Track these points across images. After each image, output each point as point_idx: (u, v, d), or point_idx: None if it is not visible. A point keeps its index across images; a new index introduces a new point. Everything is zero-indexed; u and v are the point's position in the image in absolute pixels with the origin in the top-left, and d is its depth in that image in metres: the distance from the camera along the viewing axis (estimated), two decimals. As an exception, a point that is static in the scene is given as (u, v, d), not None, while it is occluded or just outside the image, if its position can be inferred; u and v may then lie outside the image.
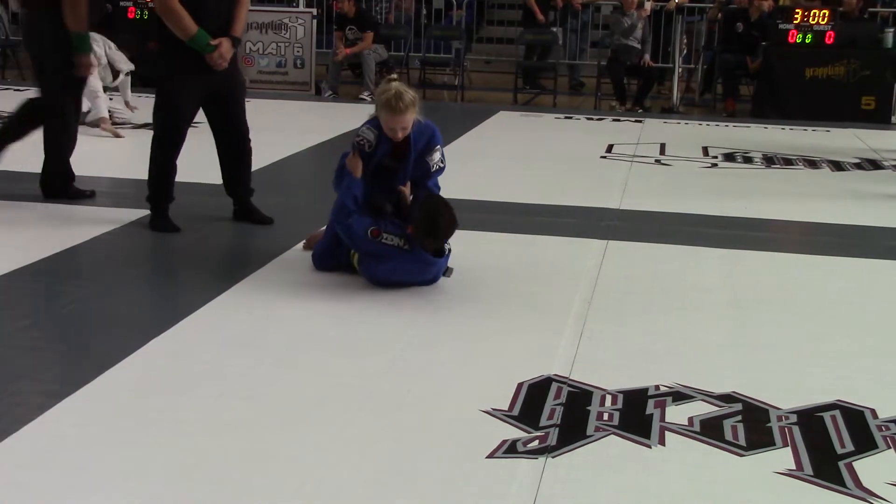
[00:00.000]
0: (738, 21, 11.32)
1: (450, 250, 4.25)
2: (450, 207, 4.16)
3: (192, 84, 5.00)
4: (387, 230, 4.15)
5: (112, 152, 7.67)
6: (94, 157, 7.44)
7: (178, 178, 6.43)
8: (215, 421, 2.92)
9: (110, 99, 8.71)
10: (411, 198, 4.33)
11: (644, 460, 2.78)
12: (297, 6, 12.76)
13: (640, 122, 10.10)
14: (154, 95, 5.18)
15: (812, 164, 7.87)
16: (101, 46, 8.45)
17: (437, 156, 4.38)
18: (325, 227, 4.53)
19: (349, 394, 3.15)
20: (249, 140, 5.32)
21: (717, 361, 3.55)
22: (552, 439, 2.87)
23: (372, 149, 4.28)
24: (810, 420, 3.07)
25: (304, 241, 4.76)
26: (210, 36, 4.90)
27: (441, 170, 4.43)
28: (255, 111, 10.37)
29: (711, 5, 12.33)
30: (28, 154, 7.46)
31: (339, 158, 4.44)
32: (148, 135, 8.31)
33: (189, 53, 4.92)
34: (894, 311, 4.28)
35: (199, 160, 7.27)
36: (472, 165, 7.30)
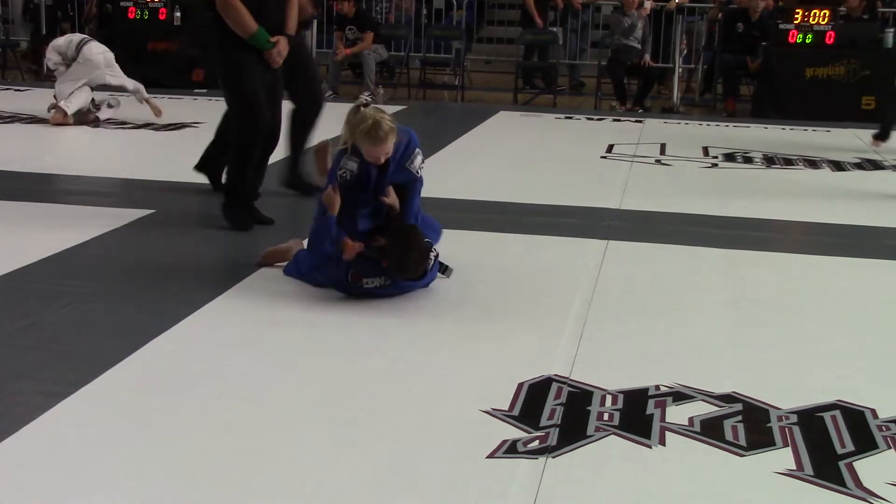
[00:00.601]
0: (739, 21, 11.32)
1: (436, 257, 4.20)
2: (419, 237, 4.08)
3: (256, 64, 5.06)
4: (366, 274, 4.08)
5: (113, 152, 7.67)
6: (94, 157, 7.45)
7: (177, 179, 6.46)
8: (215, 421, 2.92)
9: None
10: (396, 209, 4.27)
11: (644, 460, 2.78)
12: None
13: (641, 122, 10.10)
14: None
15: (812, 164, 7.87)
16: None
17: (417, 160, 4.32)
18: (287, 245, 4.51)
19: (349, 394, 3.15)
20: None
21: (717, 361, 3.55)
22: (552, 439, 2.86)
23: (353, 177, 4.19)
24: (811, 420, 3.07)
25: (262, 255, 4.54)
26: (269, 34, 5.00)
27: (420, 180, 4.32)
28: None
29: (712, 5, 12.33)
30: (28, 154, 7.47)
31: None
32: (148, 135, 8.37)
33: (248, 51, 5.00)
34: (894, 312, 4.28)
35: (198, 160, 7.26)
36: (472, 165, 7.30)
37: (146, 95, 8.64)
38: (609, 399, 3.17)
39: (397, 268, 4.04)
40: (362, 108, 4.18)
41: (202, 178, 6.03)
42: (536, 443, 2.84)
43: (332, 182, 4.18)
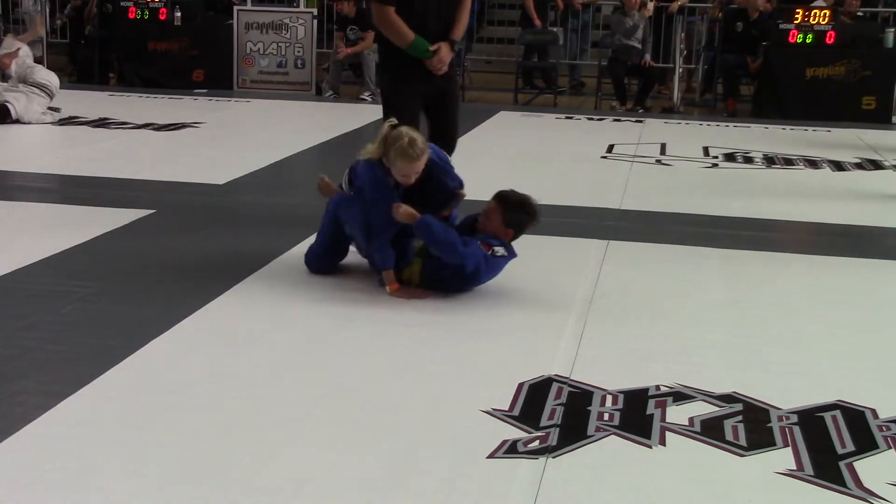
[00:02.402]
0: (738, 21, 11.32)
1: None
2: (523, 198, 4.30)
3: (415, 90, 5.00)
4: (492, 243, 4.14)
5: (113, 153, 7.67)
6: (93, 157, 7.44)
7: (177, 179, 6.46)
8: (215, 421, 2.92)
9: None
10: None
11: (644, 460, 2.78)
12: (298, 6, 12.76)
13: (641, 122, 10.10)
14: None
15: (813, 164, 7.87)
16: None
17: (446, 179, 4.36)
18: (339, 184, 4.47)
19: (349, 394, 3.15)
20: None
21: (717, 361, 3.55)
22: (553, 439, 2.86)
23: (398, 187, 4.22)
24: (811, 420, 3.06)
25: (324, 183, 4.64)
26: (428, 42, 4.90)
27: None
28: (255, 111, 10.44)
29: (712, 5, 12.32)
30: (27, 154, 7.48)
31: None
32: (148, 135, 8.38)
33: (409, 59, 4.93)
34: (895, 312, 4.28)
35: (198, 160, 7.28)
36: (472, 165, 7.28)
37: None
38: (609, 399, 3.17)
39: (518, 226, 4.20)
40: (396, 127, 4.19)
41: (201, 179, 6.03)
42: (537, 443, 2.84)
43: (389, 197, 4.11)
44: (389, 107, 5.01)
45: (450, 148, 5.14)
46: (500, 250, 4.17)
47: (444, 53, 4.93)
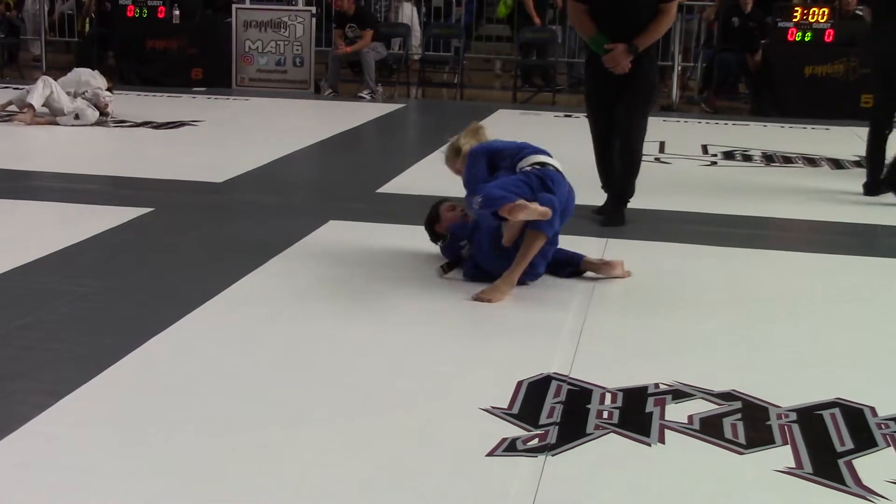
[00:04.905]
0: (733, 17, 11.30)
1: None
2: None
3: (596, 82, 5.51)
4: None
5: (111, 151, 7.67)
6: (92, 155, 7.44)
7: (175, 177, 6.46)
8: (215, 420, 2.92)
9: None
10: None
11: (644, 458, 2.78)
12: (297, 4, 12.75)
13: (640, 120, 10.07)
14: None
15: (811, 162, 7.87)
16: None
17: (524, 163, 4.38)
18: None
19: (349, 393, 3.15)
20: (636, 149, 5.58)
21: (716, 359, 3.55)
22: (552, 437, 2.86)
23: None
24: (810, 418, 3.07)
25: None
26: (608, 39, 5.30)
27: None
28: (254, 109, 10.44)
29: (709, 3, 12.32)
30: (26, 152, 7.47)
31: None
32: (147, 133, 8.37)
33: (594, 64, 5.46)
34: (893, 309, 4.28)
35: (196, 158, 7.28)
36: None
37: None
38: (608, 397, 3.17)
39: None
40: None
41: (201, 177, 6.02)
42: (536, 441, 2.84)
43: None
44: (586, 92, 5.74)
45: (625, 148, 5.50)
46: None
47: (617, 54, 5.30)
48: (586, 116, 5.76)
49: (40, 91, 8.34)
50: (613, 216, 5.53)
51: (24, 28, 14.54)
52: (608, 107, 5.47)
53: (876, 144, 6.46)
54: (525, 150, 4.41)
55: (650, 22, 5.32)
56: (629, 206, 5.61)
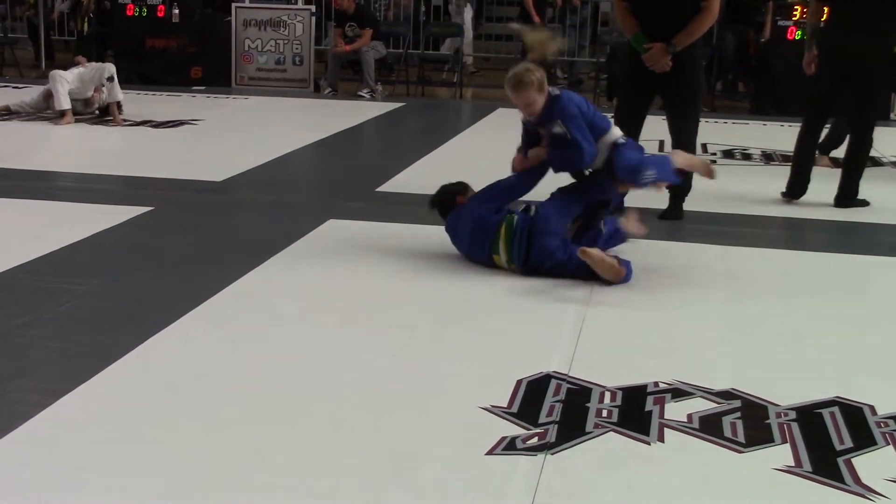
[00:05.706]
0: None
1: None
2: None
3: (634, 81, 5.60)
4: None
5: (111, 149, 7.67)
6: (92, 154, 7.44)
7: (175, 176, 6.46)
8: (215, 418, 2.92)
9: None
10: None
11: (643, 457, 2.78)
12: (296, 3, 12.75)
13: (639, 118, 10.07)
14: None
15: (811, 160, 7.85)
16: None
17: (556, 128, 4.64)
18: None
19: (349, 391, 3.15)
20: (691, 145, 5.67)
21: (716, 358, 3.55)
22: (551, 436, 2.86)
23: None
24: (809, 417, 3.07)
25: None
26: (646, 39, 5.41)
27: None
28: (253, 108, 10.43)
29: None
30: (25, 150, 7.47)
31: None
32: (147, 132, 8.37)
33: (632, 61, 5.55)
34: (894, 308, 4.28)
35: (196, 157, 7.28)
36: (470, 164, 7.29)
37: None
38: (608, 396, 3.17)
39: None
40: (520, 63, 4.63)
41: (200, 176, 6.02)
42: (535, 439, 2.84)
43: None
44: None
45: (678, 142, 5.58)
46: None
47: (655, 52, 5.40)
48: (613, 109, 5.83)
49: (62, 91, 8.40)
50: (672, 210, 5.66)
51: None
52: (640, 101, 5.59)
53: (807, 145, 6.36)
54: (598, 125, 4.78)
55: (690, 20, 5.34)
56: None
